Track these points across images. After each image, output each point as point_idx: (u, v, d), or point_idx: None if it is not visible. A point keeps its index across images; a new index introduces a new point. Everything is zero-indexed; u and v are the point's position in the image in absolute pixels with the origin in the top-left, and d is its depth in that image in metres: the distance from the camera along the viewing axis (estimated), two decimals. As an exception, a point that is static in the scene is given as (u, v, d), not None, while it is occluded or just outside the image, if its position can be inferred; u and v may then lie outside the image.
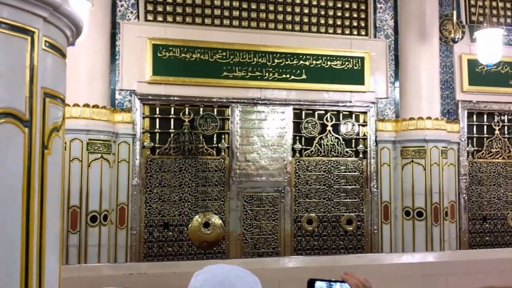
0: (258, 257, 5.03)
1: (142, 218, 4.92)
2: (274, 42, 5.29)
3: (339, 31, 5.59)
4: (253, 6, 5.37)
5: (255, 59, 5.22)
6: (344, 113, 5.51)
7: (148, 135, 5.02)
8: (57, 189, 1.09)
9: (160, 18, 5.13)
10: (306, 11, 5.50)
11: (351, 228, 5.41)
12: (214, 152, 5.14)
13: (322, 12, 5.56)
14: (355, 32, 5.64)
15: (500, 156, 5.92)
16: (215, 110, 5.16)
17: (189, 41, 5.06)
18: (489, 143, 5.91)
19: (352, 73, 5.45)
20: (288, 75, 5.29)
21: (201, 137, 5.09)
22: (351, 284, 1.24)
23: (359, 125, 5.53)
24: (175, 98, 5.03)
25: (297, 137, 5.35)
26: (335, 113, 5.48)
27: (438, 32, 5.48)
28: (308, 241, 5.33)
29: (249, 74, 5.20)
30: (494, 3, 5.85)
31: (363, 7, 5.66)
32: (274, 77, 5.26)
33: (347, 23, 5.62)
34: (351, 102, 5.48)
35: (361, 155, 5.51)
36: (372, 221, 5.44)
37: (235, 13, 5.32)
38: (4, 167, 0.92)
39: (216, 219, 5.05)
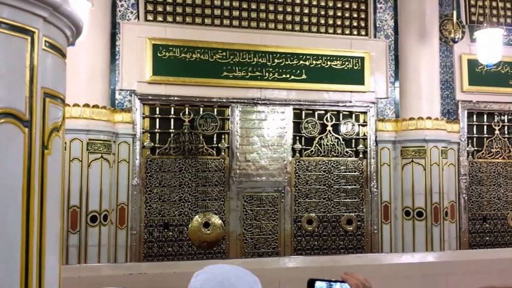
0: (258, 257, 5.03)
1: (142, 218, 4.92)
2: (274, 42, 5.29)
3: (339, 31, 5.59)
4: (253, 6, 5.37)
5: (255, 59, 5.22)
6: (344, 113, 5.51)
7: (148, 135, 5.02)
8: (57, 189, 1.09)
9: (160, 18, 5.13)
10: (306, 11, 5.50)
11: (351, 228, 5.40)
12: (214, 152, 5.14)
13: (322, 12, 5.56)
14: (355, 32, 5.64)
15: (500, 156, 5.92)
16: (215, 110, 5.16)
17: (189, 41, 5.06)
18: (489, 143, 5.91)
19: (352, 73, 5.45)
20: (288, 75, 5.29)
21: (201, 137, 5.09)
22: (351, 284, 1.24)
23: (359, 125, 5.53)
24: (175, 98, 5.03)
25: (297, 137, 5.35)
26: (335, 113, 5.48)
27: (438, 32, 5.48)
28: (308, 241, 5.33)
29: (249, 74, 5.20)
30: (494, 3, 5.84)
31: (363, 7, 5.66)
32: (274, 77, 5.26)
33: (347, 23, 5.61)
34: (351, 102, 5.48)
35: (361, 155, 5.51)
36: (372, 221, 5.44)
37: (235, 13, 5.32)
38: (4, 167, 0.92)
39: (216, 219, 5.04)
